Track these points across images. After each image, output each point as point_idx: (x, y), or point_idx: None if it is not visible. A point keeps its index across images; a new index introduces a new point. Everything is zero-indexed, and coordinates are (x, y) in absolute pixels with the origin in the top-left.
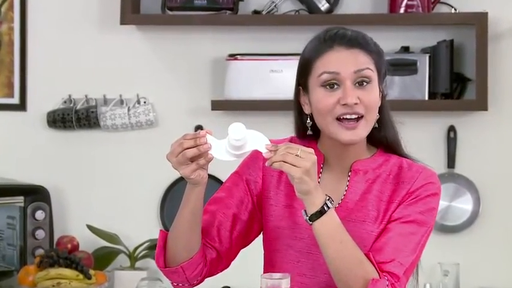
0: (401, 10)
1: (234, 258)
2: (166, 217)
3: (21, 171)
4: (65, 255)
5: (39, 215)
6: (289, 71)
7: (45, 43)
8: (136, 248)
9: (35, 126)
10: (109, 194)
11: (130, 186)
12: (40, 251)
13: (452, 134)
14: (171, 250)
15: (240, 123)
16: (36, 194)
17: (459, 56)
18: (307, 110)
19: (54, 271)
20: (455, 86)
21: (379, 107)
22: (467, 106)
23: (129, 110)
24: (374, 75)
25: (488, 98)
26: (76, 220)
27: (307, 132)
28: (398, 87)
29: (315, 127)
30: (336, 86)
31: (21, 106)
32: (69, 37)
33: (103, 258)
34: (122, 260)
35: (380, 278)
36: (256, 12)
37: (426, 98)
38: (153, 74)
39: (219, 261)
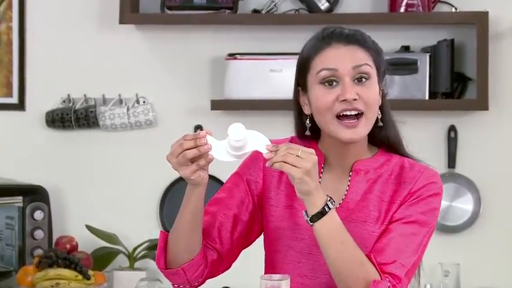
0: (402, 9)
1: (235, 259)
2: (165, 217)
3: (20, 171)
4: (63, 256)
5: (38, 215)
6: (289, 70)
7: (44, 42)
8: (135, 249)
9: (33, 126)
10: (108, 194)
11: (130, 186)
12: (39, 252)
13: (452, 134)
14: (171, 251)
15: (240, 123)
16: (35, 194)
17: (460, 56)
18: (306, 110)
19: (53, 271)
20: (456, 85)
21: (380, 106)
22: (467, 106)
23: (128, 109)
24: (373, 71)
25: (489, 97)
26: (75, 220)
27: (306, 133)
28: (398, 86)
29: (315, 128)
30: (334, 83)
31: (20, 106)
32: (68, 36)
33: (102, 259)
34: (121, 260)
35: (381, 279)
36: (255, 11)
37: (427, 97)
38: (152, 73)
39: (220, 263)
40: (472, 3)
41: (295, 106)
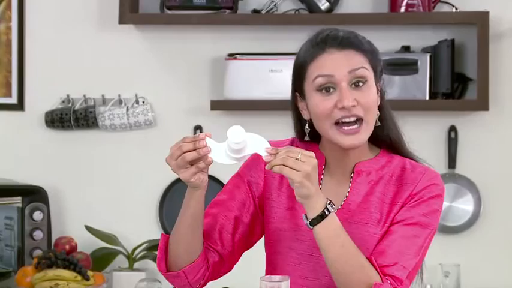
0: (402, 9)
1: (237, 261)
2: (165, 218)
3: (19, 172)
4: (63, 256)
5: (37, 215)
6: (289, 70)
7: (43, 43)
8: (134, 249)
9: (32, 126)
10: (107, 194)
11: (129, 187)
12: (38, 252)
13: (453, 134)
14: (172, 254)
15: (239, 126)
16: (34, 195)
17: (460, 56)
18: (305, 115)
19: (52, 272)
20: (456, 85)
21: (379, 106)
22: (468, 106)
23: (127, 110)
24: (369, 74)
25: (489, 98)
26: (74, 221)
27: (305, 138)
28: (399, 87)
29: (315, 130)
30: (331, 90)
31: (19, 106)
32: (67, 36)
33: (101, 259)
34: (121, 261)
35: (382, 281)
36: (255, 11)
37: (427, 97)
38: (152, 73)
39: (222, 265)
40: (473, 3)
41: (293, 111)
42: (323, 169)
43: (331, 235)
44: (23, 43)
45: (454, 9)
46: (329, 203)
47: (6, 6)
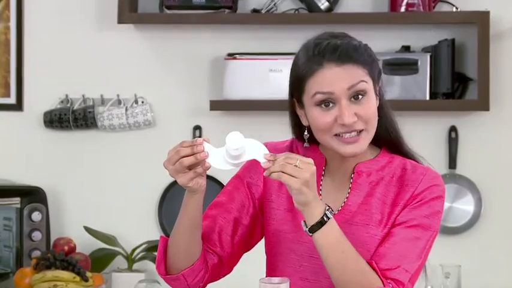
0: (402, 9)
1: (236, 263)
2: (164, 218)
3: (18, 172)
4: (61, 257)
5: (36, 216)
6: (288, 70)
7: (41, 42)
8: (134, 250)
9: (31, 126)
10: (106, 195)
11: (128, 187)
12: (36, 253)
13: (453, 135)
14: (171, 257)
15: (238, 132)
16: (32, 195)
17: (460, 56)
18: (304, 122)
19: (50, 273)
20: (457, 85)
21: (378, 106)
22: (468, 106)
23: (126, 110)
24: (369, 85)
25: (490, 98)
26: (73, 222)
27: (304, 145)
28: (399, 87)
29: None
30: (331, 104)
31: (18, 106)
32: (66, 36)
33: (100, 260)
34: (120, 262)
35: (384, 285)
36: (255, 11)
37: (427, 97)
38: (151, 73)
39: (221, 267)
40: (473, 2)
41: (291, 116)
42: (323, 170)
43: (331, 242)
44: (22, 43)
45: (454, 9)
46: (328, 209)
47: (4, 6)
